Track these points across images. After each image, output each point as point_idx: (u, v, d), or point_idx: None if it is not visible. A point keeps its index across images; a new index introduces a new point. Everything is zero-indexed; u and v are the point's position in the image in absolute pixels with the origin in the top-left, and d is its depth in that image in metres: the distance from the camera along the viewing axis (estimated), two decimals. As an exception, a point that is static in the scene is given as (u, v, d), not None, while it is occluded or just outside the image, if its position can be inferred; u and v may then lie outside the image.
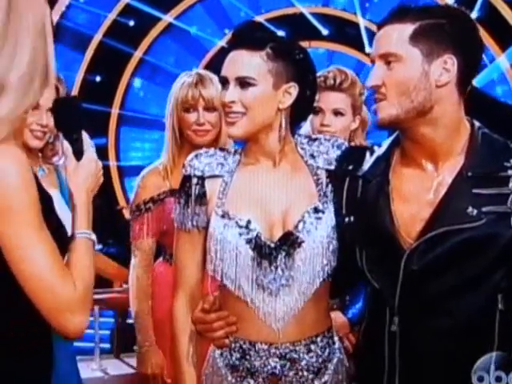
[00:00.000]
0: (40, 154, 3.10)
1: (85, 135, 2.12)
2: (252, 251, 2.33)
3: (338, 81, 3.20)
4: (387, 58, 2.20)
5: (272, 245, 2.34)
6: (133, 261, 3.42)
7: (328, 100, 3.22)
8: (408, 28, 2.19)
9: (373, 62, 2.25)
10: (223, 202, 2.39)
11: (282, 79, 2.35)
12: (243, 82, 2.33)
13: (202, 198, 2.41)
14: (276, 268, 2.32)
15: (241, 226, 2.34)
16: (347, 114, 3.25)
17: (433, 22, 2.19)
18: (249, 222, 2.34)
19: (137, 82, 6.87)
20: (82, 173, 2.10)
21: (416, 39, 2.18)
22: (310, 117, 3.22)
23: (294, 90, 2.36)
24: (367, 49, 6.30)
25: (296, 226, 2.34)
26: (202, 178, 2.42)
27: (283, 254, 2.33)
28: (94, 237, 2.03)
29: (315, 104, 3.15)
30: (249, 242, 2.33)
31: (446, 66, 2.19)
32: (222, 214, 2.37)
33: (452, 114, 2.23)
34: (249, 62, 2.33)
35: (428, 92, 2.19)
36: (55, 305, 1.85)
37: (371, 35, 6.25)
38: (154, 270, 3.43)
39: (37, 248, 1.82)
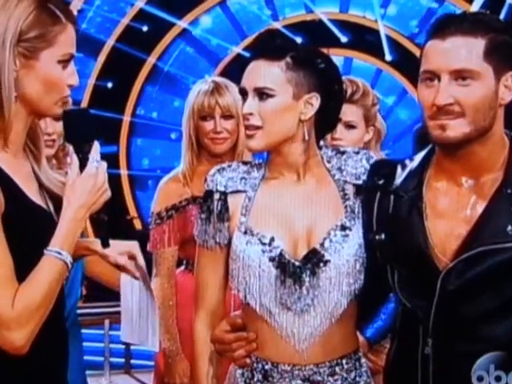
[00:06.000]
0: (54, 160, 3.04)
1: (96, 147, 2.04)
2: (275, 269, 2.27)
3: (348, 92, 3.14)
4: (461, 74, 2.11)
5: (296, 263, 2.27)
6: (154, 270, 3.40)
7: None
8: (479, 42, 2.10)
9: (432, 74, 2.13)
10: (246, 219, 2.34)
11: (302, 89, 2.29)
12: (261, 93, 2.29)
13: (224, 213, 2.36)
14: (300, 287, 2.26)
15: (264, 243, 2.29)
16: (359, 126, 3.20)
17: (499, 35, 2.11)
18: (272, 239, 2.29)
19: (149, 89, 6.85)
20: (78, 188, 2.00)
21: (489, 55, 2.10)
22: None
23: (315, 100, 2.30)
24: (387, 56, 6.25)
25: (322, 244, 2.28)
26: (224, 194, 2.37)
27: (308, 272, 2.26)
28: (65, 257, 1.96)
29: None
30: (272, 259, 2.28)
31: (508, 84, 2.13)
32: (244, 230, 2.32)
33: (500, 130, 2.17)
34: (267, 73, 2.29)
35: (495, 111, 2.13)
36: None
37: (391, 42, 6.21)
38: (176, 280, 3.41)
39: None
